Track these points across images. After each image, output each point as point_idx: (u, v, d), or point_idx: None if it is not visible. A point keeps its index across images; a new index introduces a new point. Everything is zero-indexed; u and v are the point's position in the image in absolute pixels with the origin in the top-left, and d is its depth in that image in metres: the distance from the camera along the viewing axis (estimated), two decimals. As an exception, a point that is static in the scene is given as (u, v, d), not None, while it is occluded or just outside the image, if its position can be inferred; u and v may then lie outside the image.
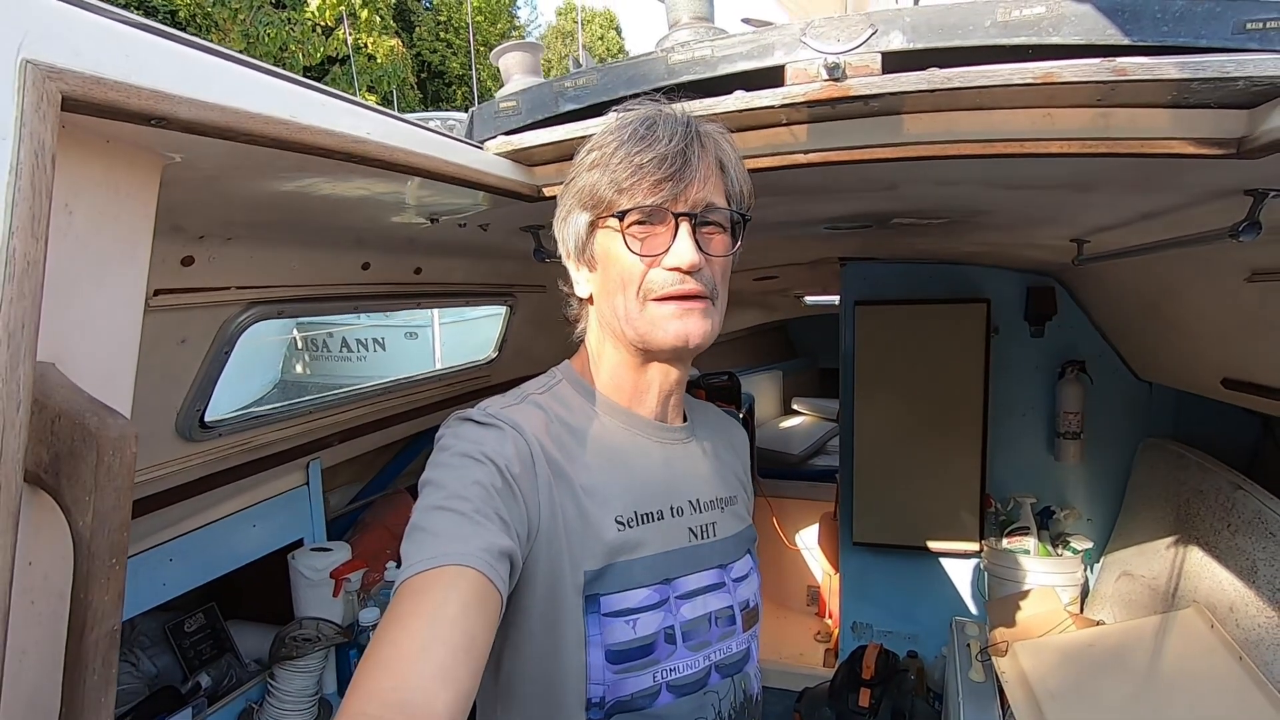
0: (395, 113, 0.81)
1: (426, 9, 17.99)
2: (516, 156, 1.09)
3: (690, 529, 0.82)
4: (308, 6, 8.58)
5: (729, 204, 0.78)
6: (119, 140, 0.59)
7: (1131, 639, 1.98)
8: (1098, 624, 2.25)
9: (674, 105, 0.81)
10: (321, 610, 1.76)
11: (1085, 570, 2.51)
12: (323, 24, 8.80)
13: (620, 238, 0.75)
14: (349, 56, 9.45)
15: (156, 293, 1.04)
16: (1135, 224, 1.53)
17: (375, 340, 8.76)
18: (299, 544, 1.84)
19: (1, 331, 0.42)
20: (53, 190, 0.45)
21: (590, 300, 0.84)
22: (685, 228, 0.74)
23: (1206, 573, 1.95)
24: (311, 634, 1.68)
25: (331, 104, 0.70)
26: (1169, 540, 2.21)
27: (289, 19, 9.08)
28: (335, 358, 8.76)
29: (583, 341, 0.88)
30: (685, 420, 0.91)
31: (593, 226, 0.78)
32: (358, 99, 0.76)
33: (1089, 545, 2.52)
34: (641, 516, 0.78)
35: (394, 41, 10.71)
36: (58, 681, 0.53)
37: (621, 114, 0.79)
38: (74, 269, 0.57)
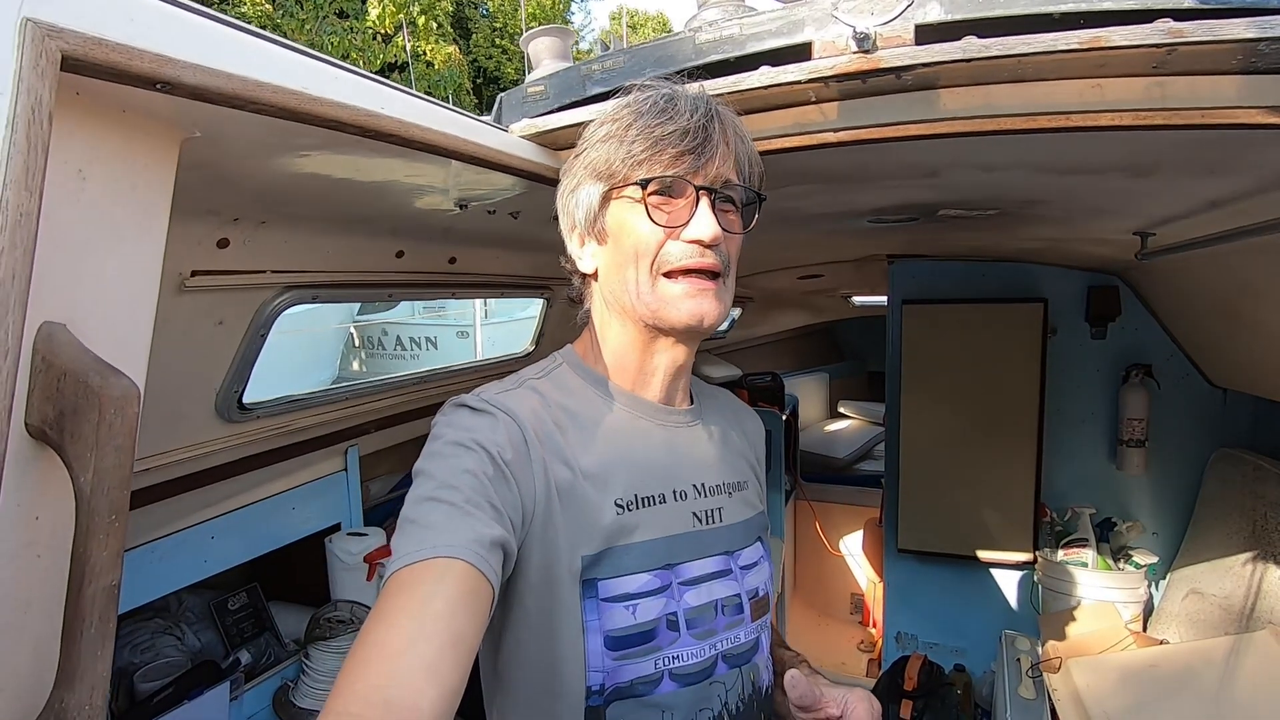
0: (412, 90, 0.81)
1: (483, 16, 18.41)
2: (541, 139, 1.08)
3: (694, 513, 0.80)
4: (368, 15, 8.89)
5: (743, 183, 0.78)
6: (135, 110, 0.60)
7: (1199, 661, 1.85)
8: (1162, 643, 2.11)
9: (691, 84, 0.80)
10: (356, 593, 1.80)
11: (1149, 586, 2.35)
12: (383, 32, 9.09)
13: (641, 208, 0.75)
14: (408, 63, 9.73)
15: (193, 274, 1.07)
16: (1203, 214, 1.42)
17: (428, 339, 9.03)
18: (337, 528, 1.88)
19: (-4, 283, 0.43)
20: (50, 148, 0.46)
21: (595, 276, 0.82)
22: (706, 201, 0.74)
23: (1285, 593, 1.81)
24: (345, 616, 1.72)
25: (345, 77, 0.71)
26: (1244, 557, 2.05)
27: (350, 27, 9.41)
28: (390, 355, 9.07)
29: (586, 324, 0.86)
30: (692, 403, 0.88)
31: (606, 198, 0.78)
32: (372, 75, 0.76)
33: (1153, 560, 2.37)
34: (641, 500, 0.76)
35: (451, 48, 10.99)
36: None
37: (638, 90, 0.79)
38: (87, 234, 0.58)
